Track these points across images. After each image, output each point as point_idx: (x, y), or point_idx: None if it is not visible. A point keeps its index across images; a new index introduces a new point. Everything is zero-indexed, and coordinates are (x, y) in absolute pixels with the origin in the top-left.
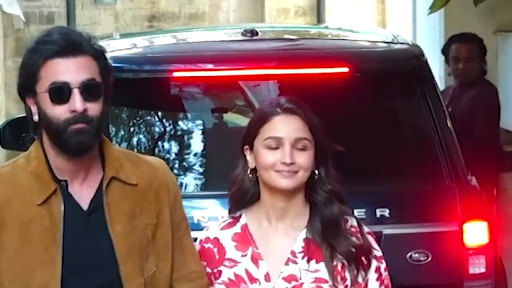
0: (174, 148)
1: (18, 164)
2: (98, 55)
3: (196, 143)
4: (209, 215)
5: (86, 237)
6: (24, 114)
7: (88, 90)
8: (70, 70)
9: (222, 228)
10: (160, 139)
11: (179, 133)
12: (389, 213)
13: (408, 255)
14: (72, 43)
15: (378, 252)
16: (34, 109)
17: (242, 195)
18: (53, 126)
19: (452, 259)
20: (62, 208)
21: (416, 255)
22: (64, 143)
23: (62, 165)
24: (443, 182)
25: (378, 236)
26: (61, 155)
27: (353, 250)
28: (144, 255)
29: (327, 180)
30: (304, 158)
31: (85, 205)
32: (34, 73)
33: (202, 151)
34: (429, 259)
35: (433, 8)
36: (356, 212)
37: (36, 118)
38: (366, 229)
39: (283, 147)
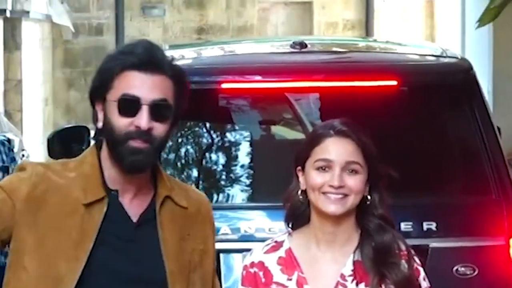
0: (222, 159)
1: (69, 165)
2: (177, 77)
3: (243, 155)
4: (256, 226)
5: (129, 250)
6: (72, 124)
7: (158, 110)
8: (144, 85)
9: (266, 252)
10: (207, 150)
11: (226, 144)
12: (436, 227)
13: (455, 268)
14: (153, 60)
15: (425, 283)
16: (100, 115)
17: (293, 216)
18: (114, 136)
19: (498, 273)
20: (102, 218)
21: (463, 268)
22: (119, 157)
23: (115, 176)
24: (490, 196)
25: (424, 250)
26: (115, 167)
27: (406, 275)
28: (191, 279)
29: (380, 206)
30: (355, 182)
31: (134, 218)
32: (109, 80)
33: (249, 162)
34: (476, 273)
35: (481, 22)
36: (403, 225)
37: (100, 124)
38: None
39: (332, 170)
